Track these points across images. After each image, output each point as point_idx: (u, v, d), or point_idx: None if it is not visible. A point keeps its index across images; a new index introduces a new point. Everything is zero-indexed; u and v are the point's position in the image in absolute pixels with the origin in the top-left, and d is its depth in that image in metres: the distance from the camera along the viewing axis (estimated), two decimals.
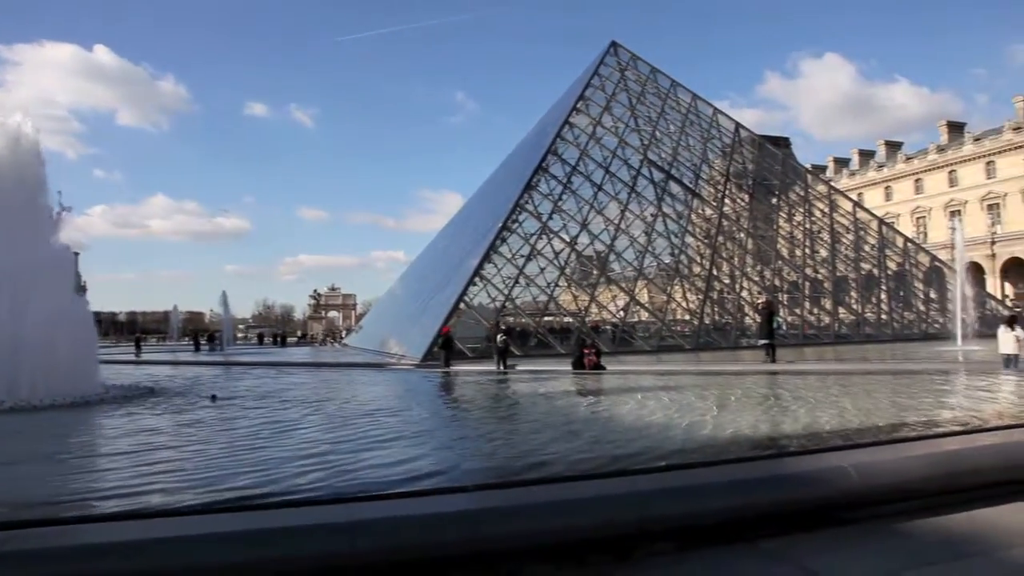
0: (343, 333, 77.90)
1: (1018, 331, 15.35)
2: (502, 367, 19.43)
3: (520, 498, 4.13)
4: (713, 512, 3.99)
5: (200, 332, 59.18)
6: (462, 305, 26.38)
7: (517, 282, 29.88)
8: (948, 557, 3.66)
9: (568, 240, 32.17)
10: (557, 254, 32.70)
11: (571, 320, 31.48)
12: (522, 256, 31.00)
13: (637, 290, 33.04)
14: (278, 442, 7.85)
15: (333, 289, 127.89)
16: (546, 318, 30.99)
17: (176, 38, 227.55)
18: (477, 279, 27.85)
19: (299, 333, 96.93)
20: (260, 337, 75.14)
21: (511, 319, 28.21)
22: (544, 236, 31.61)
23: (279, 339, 70.53)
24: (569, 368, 17.72)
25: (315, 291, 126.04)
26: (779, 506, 4.20)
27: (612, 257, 33.06)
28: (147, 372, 21.97)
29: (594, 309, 31.81)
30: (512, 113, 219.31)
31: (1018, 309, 45.76)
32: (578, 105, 35.12)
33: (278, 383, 17.17)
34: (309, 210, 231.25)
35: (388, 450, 7.15)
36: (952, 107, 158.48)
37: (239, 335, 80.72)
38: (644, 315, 34.29)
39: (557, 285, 32.58)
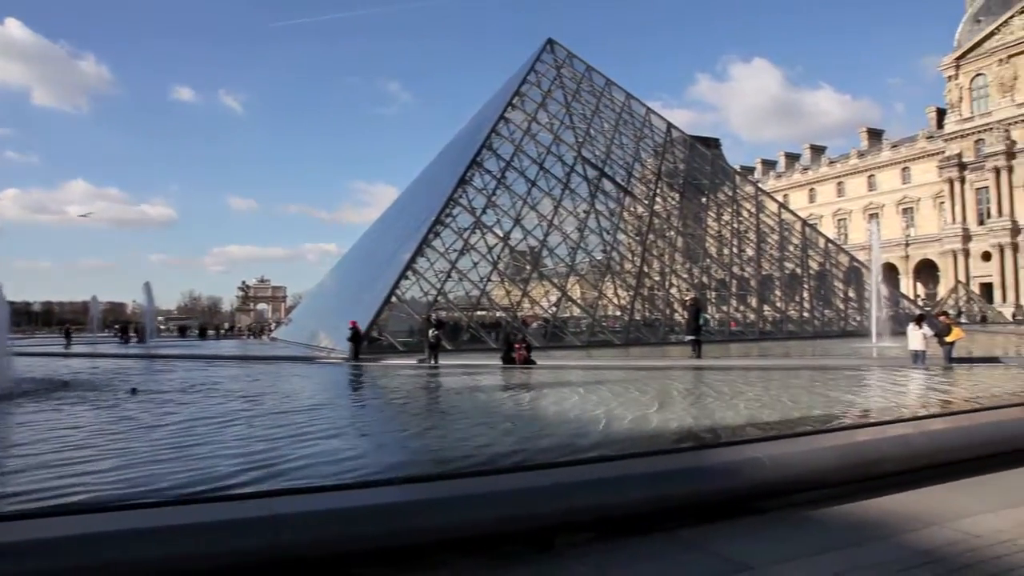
0: (272, 326, 76.23)
1: (925, 329, 16.14)
2: (433, 361, 19.36)
3: (444, 491, 4.14)
4: (633, 503, 4.08)
5: (127, 324, 57.34)
6: (394, 299, 26.15)
7: (450, 276, 29.73)
8: (855, 541, 3.84)
9: (501, 235, 32.15)
10: (490, 249, 32.60)
11: (503, 315, 31.54)
12: (455, 250, 30.85)
13: (569, 286, 33.30)
14: (199, 437, 7.64)
15: (262, 281, 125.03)
16: (478, 312, 30.94)
17: (97, 15, 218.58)
18: (409, 273, 27.60)
19: (226, 325, 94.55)
20: (182, 329, 73.61)
21: (443, 313, 28.09)
22: (477, 231, 31.50)
23: (209, 331, 69.59)
24: (500, 362, 17.83)
25: (243, 283, 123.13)
26: (697, 496, 4.32)
27: (545, 253, 33.21)
28: (65, 364, 21.15)
29: (526, 304, 31.97)
30: (447, 106, 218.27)
31: (927, 308, 48.15)
32: (514, 101, 35.12)
33: (201, 375, 16.70)
34: (239, 200, 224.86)
35: (313, 445, 7.06)
36: (871, 114, 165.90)
37: (160, 327, 78.19)
38: (575, 310, 34.64)
39: (490, 280, 32.49)
